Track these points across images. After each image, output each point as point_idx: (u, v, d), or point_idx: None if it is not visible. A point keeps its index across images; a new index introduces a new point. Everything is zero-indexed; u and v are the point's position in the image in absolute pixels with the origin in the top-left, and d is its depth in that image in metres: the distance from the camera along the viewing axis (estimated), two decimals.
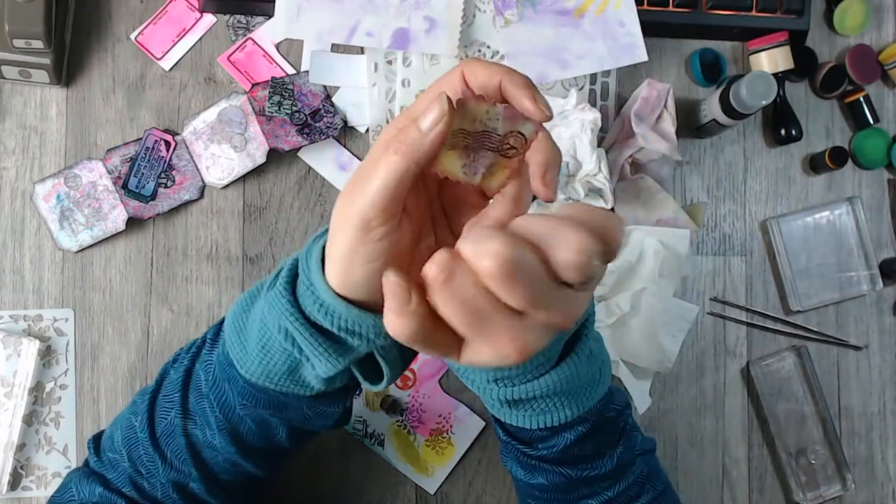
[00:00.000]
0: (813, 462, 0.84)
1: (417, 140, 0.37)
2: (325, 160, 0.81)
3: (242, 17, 0.82)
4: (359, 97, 0.81)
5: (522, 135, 0.38)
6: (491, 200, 0.40)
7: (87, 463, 0.58)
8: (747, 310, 0.85)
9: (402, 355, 0.47)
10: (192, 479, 0.54)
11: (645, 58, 0.79)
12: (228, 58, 0.82)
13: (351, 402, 0.55)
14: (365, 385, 0.48)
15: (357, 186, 0.39)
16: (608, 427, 0.52)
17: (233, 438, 0.52)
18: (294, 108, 0.80)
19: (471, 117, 0.38)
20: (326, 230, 0.44)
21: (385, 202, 0.38)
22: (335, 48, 0.81)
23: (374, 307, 0.42)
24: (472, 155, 0.38)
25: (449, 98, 0.37)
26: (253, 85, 0.80)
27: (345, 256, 0.40)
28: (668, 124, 0.80)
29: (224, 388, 0.50)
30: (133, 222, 0.79)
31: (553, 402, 0.47)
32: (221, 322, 0.53)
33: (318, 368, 0.45)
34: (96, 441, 0.58)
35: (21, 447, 0.77)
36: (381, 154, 0.38)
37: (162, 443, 0.54)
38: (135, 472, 0.55)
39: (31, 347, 0.76)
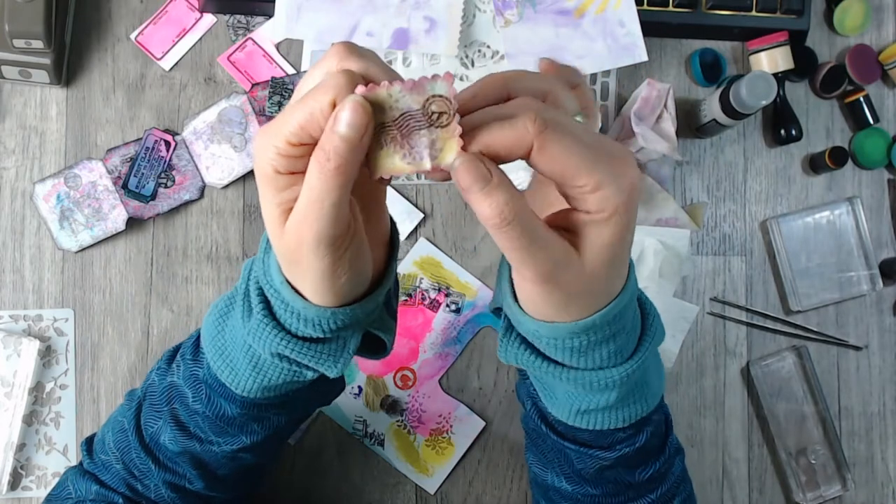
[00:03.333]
0: (813, 462, 0.84)
1: (340, 150, 0.34)
2: None
3: (242, 17, 0.82)
4: None
5: (440, 95, 0.35)
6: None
7: (81, 464, 0.58)
8: (747, 310, 0.85)
9: (391, 314, 0.47)
10: (189, 480, 0.54)
11: (645, 58, 0.79)
12: (228, 58, 0.82)
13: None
14: (370, 358, 0.49)
15: (309, 210, 0.36)
16: (665, 423, 0.52)
17: (234, 439, 0.52)
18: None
19: (379, 109, 0.35)
20: (268, 244, 0.43)
21: (345, 218, 0.37)
22: None
23: (353, 297, 0.42)
24: (406, 142, 0.36)
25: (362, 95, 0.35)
26: (253, 85, 0.80)
27: (324, 278, 0.39)
28: (668, 124, 0.80)
29: (220, 404, 0.50)
30: (133, 222, 0.79)
31: (635, 394, 0.46)
32: (198, 338, 0.52)
33: (328, 373, 0.45)
34: (89, 443, 0.58)
35: (21, 447, 0.77)
36: (307, 176, 0.36)
37: (153, 447, 0.53)
38: (128, 474, 0.54)
39: (31, 347, 0.76)
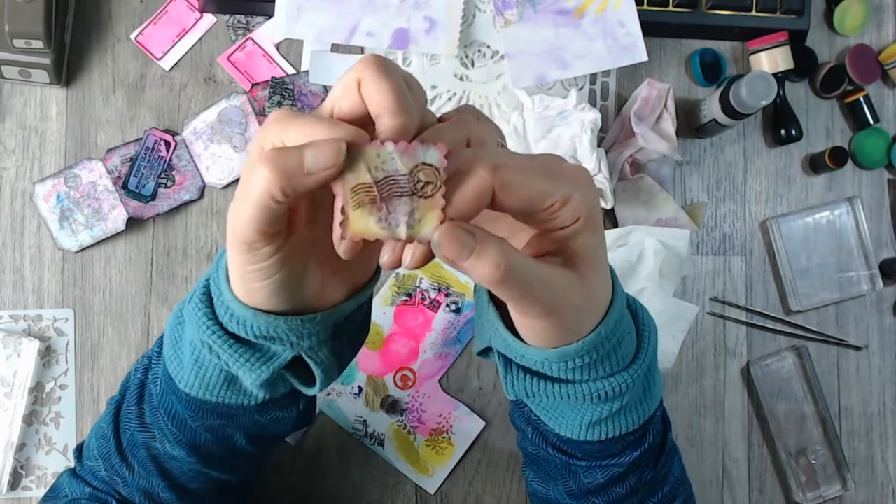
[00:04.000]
0: (813, 462, 0.84)
1: (294, 172, 0.34)
2: None
3: (242, 17, 0.82)
4: None
5: (429, 164, 0.34)
6: None
7: (73, 470, 0.58)
8: (747, 310, 0.85)
9: (336, 354, 0.45)
10: (160, 489, 0.53)
11: (645, 58, 0.79)
12: (228, 58, 0.82)
13: (309, 404, 0.53)
14: (301, 388, 0.47)
15: (236, 202, 0.37)
16: (663, 420, 0.52)
17: (192, 450, 0.51)
18: (294, 109, 0.80)
19: (364, 168, 0.34)
20: None
21: (262, 224, 0.36)
22: (335, 48, 0.81)
23: (291, 311, 0.41)
24: (385, 206, 0.34)
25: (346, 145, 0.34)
26: (253, 85, 0.80)
27: (240, 276, 0.39)
28: (668, 124, 0.80)
29: (172, 402, 0.49)
30: (133, 222, 0.79)
31: (644, 393, 0.46)
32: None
33: (245, 378, 0.44)
34: (79, 450, 0.58)
35: (21, 447, 0.77)
36: (253, 168, 0.35)
37: (128, 453, 0.53)
38: (112, 479, 0.54)
39: (31, 347, 0.76)
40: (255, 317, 0.40)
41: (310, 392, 0.46)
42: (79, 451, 0.58)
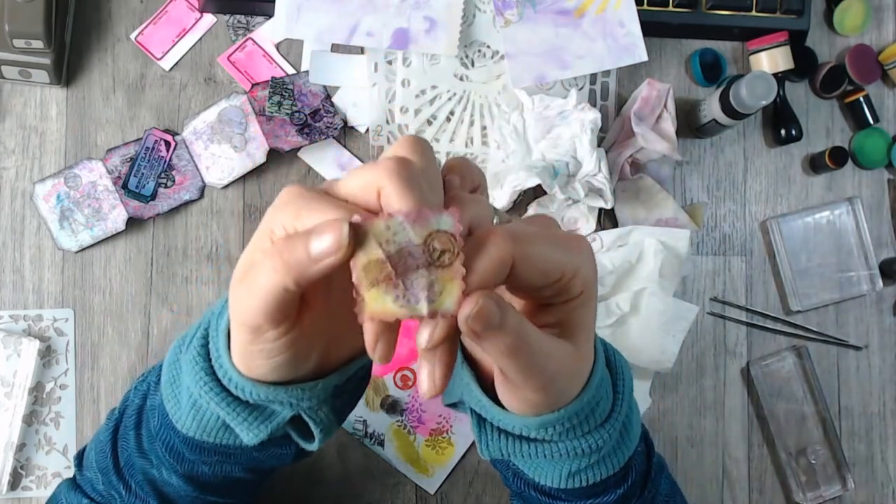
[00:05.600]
0: (813, 462, 0.84)
1: (303, 263, 0.33)
2: (325, 160, 0.81)
3: (242, 17, 0.82)
4: (359, 97, 0.81)
5: (444, 231, 0.32)
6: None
7: (73, 478, 0.58)
8: (747, 310, 0.85)
9: (336, 412, 0.44)
10: None
11: (645, 58, 0.79)
12: (228, 58, 0.82)
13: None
14: (300, 443, 0.46)
15: (242, 287, 0.36)
16: (645, 445, 0.52)
17: (189, 480, 0.50)
18: (294, 108, 0.80)
19: (374, 244, 0.32)
20: None
21: (270, 313, 0.35)
22: (335, 48, 0.81)
23: (293, 380, 0.40)
24: (401, 282, 0.32)
25: (352, 225, 0.32)
26: (253, 85, 0.80)
27: (241, 352, 0.39)
28: (668, 124, 0.80)
29: (169, 436, 0.48)
30: (133, 222, 0.79)
31: (622, 439, 0.46)
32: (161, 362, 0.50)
33: (243, 435, 0.43)
34: (80, 457, 0.57)
35: (21, 447, 0.77)
36: (262, 256, 0.35)
37: (125, 473, 0.52)
38: (109, 493, 0.54)
39: (31, 347, 0.76)
40: (256, 387, 0.40)
41: (308, 447, 0.45)
42: (79, 459, 0.57)
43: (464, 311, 0.32)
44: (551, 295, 0.37)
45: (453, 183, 0.38)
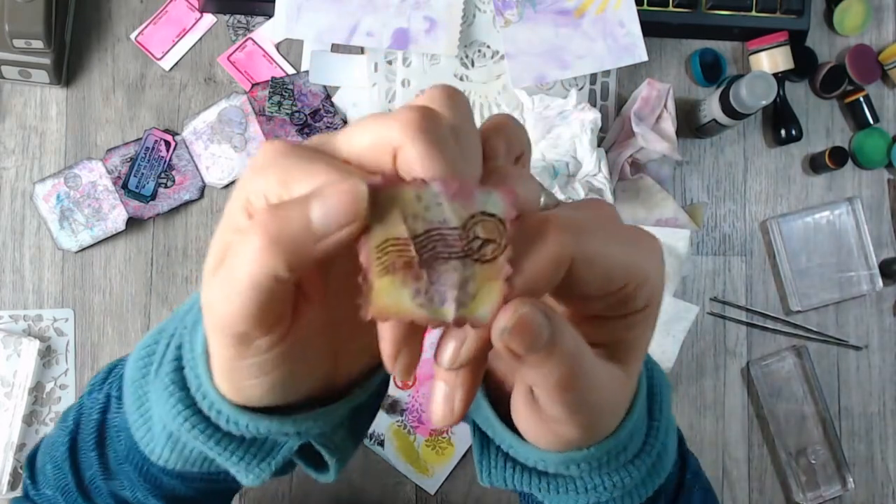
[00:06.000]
0: (813, 462, 0.84)
1: (301, 239, 0.24)
2: None
3: (242, 17, 0.82)
4: (359, 97, 0.81)
5: (492, 215, 0.24)
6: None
7: (25, 492, 0.47)
8: (747, 310, 0.85)
9: (353, 434, 0.36)
10: None
11: (645, 58, 0.79)
12: (228, 58, 0.82)
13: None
14: (311, 474, 0.37)
15: (218, 282, 0.27)
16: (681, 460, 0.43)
17: (168, 500, 0.41)
18: (294, 108, 0.80)
19: (398, 216, 0.24)
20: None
21: (258, 313, 0.26)
22: (335, 48, 0.81)
23: (296, 402, 0.31)
24: (425, 274, 0.24)
25: (372, 188, 0.24)
26: (253, 85, 0.80)
27: (227, 371, 0.29)
28: (668, 124, 0.80)
29: (143, 463, 0.38)
30: (133, 222, 0.79)
31: (654, 469, 0.37)
32: (122, 371, 0.38)
33: (240, 477, 0.34)
34: (31, 466, 0.47)
35: (21, 447, 0.77)
36: (242, 237, 0.26)
37: (91, 492, 0.43)
38: None
39: (31, 347, 0.76)
40: (253, 419, 0.30)
41: (322, 479, 0.36)
42: (31, 468, 0.47)
43: (500, 322, 0.24)
44: (608, 306, 0.28)
45: (497, 150, 0.28)
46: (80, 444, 0.42)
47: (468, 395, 0.27)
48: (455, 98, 0.27)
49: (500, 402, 0.32)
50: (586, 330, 0.28)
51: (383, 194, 0.24)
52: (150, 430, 0.35)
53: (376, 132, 0.26)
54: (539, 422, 0.30)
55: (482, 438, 0.34)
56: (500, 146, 0.28)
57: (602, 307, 0.28)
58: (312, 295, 0.29)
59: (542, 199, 0.29)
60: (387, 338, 0.26)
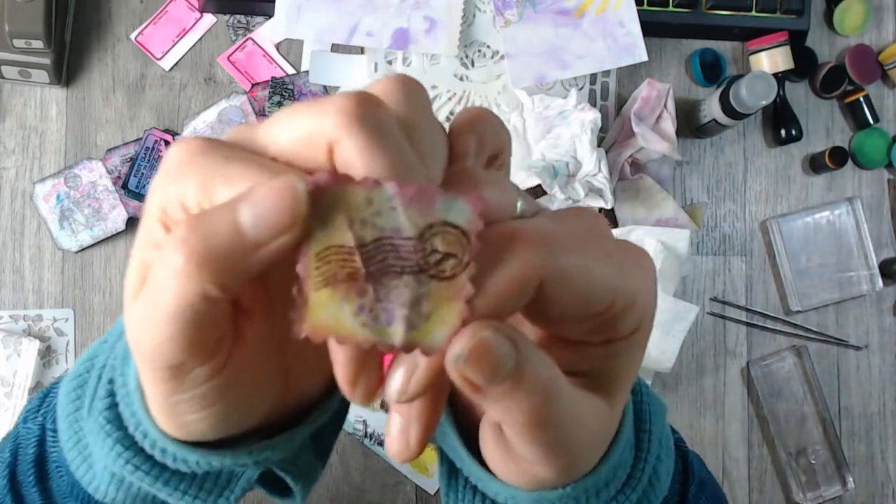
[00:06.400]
0: (813, 462, 0.84)
1: (231, 249, 0.21)
2: None
3: (242, 17, 0.82)
4: None
5: (455, 226, 0.21)
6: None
7: None
8: (747, 310, 0.85)
9: (319, 454, 0.32)
10: None
11: (645, 58, 0.79)
12: (228, 58, 0.82)
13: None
14: (275, 499, 0.33)
15: (138, 304, 0.23)
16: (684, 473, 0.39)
17: None
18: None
19: (343, 221, 0.21)
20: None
21: (190, 340, 0.23)
22: (335, 48, 0.81)
23: (248, 429, 0.28)
24: (371, 289, 0.21)
25: (314, 188, 0.21)
26: (253, 85, 0.80)
27: (165, 407, 0.25)
28: (668, 124, 0.80)
29: (88, 498, 0.33)
30: (133, 222, 0.79)
31: (642, 496, 0.32)
32: (55, 400, 0.34)
33: None
34: None
35: None
36: (160, 255, 0.22)
37: None
38: None
39: (31, 347, 0.76)
40: (203, 456, 0.27)
41: (284, 503, 0.33)
42: None
43: (454, 348, 0.21)
44: (589, 331, 0.25)
45: (466, 149, 0.25)
46: (21, 479, 0.36)
47: (426, 429, 0.24)
48: (409, 87, 0.24)
49: (470, 429, 0.28)
50: (565, 356, 0.25)
51: (327, 195, 0.21)
52: (91, 469, 0.30)
53: (306, 123, 0.22)
54: (509, 460, 0.26)
55: (450, 467, 0.30)
56: (470, 144, 0.25)
57: (582, 332, 0.24)
58: (254, 310, 0.25)
59: (519, 206, 0.25)
60: (340, 360, 0.22)
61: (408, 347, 0.21)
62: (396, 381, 0.22)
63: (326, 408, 0.29)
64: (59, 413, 0.32)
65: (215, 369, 0.24)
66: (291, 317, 0.21)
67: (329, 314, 0.21)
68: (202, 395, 0.24)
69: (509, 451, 0.26)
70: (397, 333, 0.21)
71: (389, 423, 0.24)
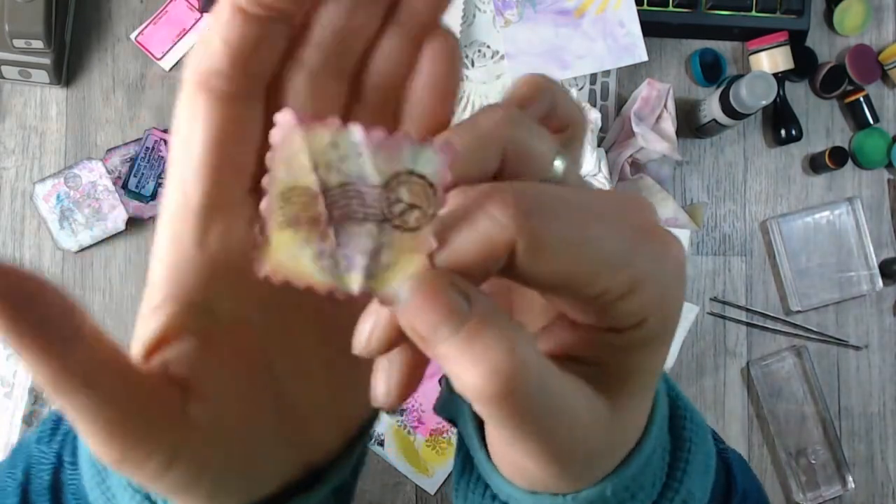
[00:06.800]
0: (813, 462, 0.84)
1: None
2: None
3: None
4: None
5: (421, 176, 0.20)
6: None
7: None
8: (747, 310, 0.85)
9: (339, 499, 0.29)
10: None
11: (645, 58, 0.79)
12: None
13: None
14: None
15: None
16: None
17: None
18: None
19: (306, 162, 0.20)
20: None
21: (107, 436, 0.21)
22: None
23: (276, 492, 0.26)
24: (330, 233, 0.20)
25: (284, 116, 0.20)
26: None
27: (154, 490, 0.24)
28: (668, 124, 0.80)
29: None
30: (133, 222, 0.79)
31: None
32: (70, 429, 0.32)
33: None
34: None
35: None
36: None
37: None
38: None
39: None
40: None
41: None
42: None
43: (401, 292, 0.20)
44: (586, 312, 0.22)
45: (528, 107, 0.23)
46: (33, 501, 0.35)
47: (407, 377, 0.22)
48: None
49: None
50: (567, 335, 0.23)
51: (293, 134, 0.20)
52: None
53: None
54: (500, 451, 0.25)
55: (465, 457, 0.28)
56: (534, 107, 0.24)
57: (576, 312, 0.22)
58: (205, 390, 0.22)
59: (559, 163, 0.23)
60: (393, 370, 0.22)
61: (364, 296, 0.20)
62: (361, 333, 0.21)
63: (345, 465, 0.27)
64: (81, 453, 0.30)
65: (165, 464, 0.21)
66: (252, 255, 0.20)
67: (290, 255, 0.20)
68: (175, 483, 0.22)
69: (497, 438, 0.25)
70: (355, 280, 0.20)
71: (375, 372, 0.22)
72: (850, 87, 0.87)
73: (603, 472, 0.24)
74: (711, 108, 0.80)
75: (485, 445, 0.26)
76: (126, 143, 0.79)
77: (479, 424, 0.27)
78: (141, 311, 0.23)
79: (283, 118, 0.20)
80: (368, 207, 0.20)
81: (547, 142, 0.23)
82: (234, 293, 0.23)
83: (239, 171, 0.23)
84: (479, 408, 0.20)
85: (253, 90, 0.23)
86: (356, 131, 0.20)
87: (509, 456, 0.25)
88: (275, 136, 0.20)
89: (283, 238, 0.20)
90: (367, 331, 0.21)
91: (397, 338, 0.21)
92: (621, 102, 0.84)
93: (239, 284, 0.23)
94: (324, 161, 0.20)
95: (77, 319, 0.20)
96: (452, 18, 0.79)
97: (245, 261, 0.22)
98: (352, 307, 0.22)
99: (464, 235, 0.20)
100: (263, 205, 0.20)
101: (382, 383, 0.22)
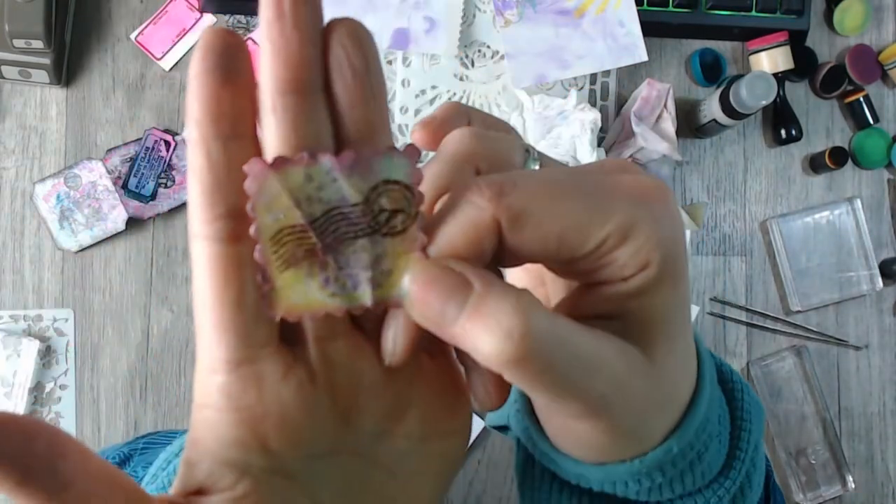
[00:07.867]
0: (813, 462, 0.84)
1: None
2: None
3: (242, 17, 0.82)
4: None
5: (396, 182, 0.21)
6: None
7: None
8: (747, 310, 0.85)
9: None
10: None
11: (645, 58, 0.79)
12: None
13: None
14: None
15: None
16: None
17: None
18: None
19: (287, 202, 0.21)
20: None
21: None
22: None
23: None
24: (331, 259, 0.21)
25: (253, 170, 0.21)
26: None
27: None
28: (668, 124, 0.80)
29: None
30: (133, 222, 0.79)
31: (739, 495, 0.29)
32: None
33: None
34: None
35: None
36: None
37: None
38: None
39: (31, 347, 0.76)
40: None
41: None
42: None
43: (404, 289, 0.21)
44: (590, 272, 0.23)
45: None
46: None
47: (411, 332, 0.23)
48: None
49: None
50: (585, 299, 0.24)
51: (267, 180, 0.21)
52: None
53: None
54: (548, 420, 0.25)
55: (525, 456, 0.28)
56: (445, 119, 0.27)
57: (586, 272, 0.23)
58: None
59: (530, 162, 0.25)
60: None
61: (380, 305, 0.22)
62: (386, 342, 0.22)
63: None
64: None
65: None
66: (262, 304, 0.21)
67: (298, 293, 0.21)
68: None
69: (544, 413, 0.25)
70: (366, 295, 0.21)
71: (384, 330, 0.23)
72: (850, 87, 0.87)
73: (661, 431, 0.25)
74: (711, 108, 0.80)
75: (544, 435, 0.27)
76: (126, 143, 0.79)
77: (535, 422, 0.27)
78: (182, 458, 0.23)
79: (253, 168, 0.21)
80: (356, 225, 0.21)
81: (508, 140, 0.25)
82: (270, 446, 0.22)
83: (257, 318, 0.22)
84: (508, 376, 0.21)
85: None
86: (326, 160, 0.21)
87: (563, 428, 0.25)
88: (249, 185, 0.21)
89: (287, 278, 0.21)
90: (391, 338, 0.22)
91: (418, 336, 0.22)
92: (621, 102, 0.84)
93: (276, 436, 0.22)
94: (304, 195, 0.21)
95: (68, 467, 0.20)
96: (452, 18, 0.79)
97: (281, 411, 0.22)
98: (392, 439, 0.24)
99: (450, 225, 0.21)
100: (257, 254, 0.21)
101: (389, 341, 0.23)
